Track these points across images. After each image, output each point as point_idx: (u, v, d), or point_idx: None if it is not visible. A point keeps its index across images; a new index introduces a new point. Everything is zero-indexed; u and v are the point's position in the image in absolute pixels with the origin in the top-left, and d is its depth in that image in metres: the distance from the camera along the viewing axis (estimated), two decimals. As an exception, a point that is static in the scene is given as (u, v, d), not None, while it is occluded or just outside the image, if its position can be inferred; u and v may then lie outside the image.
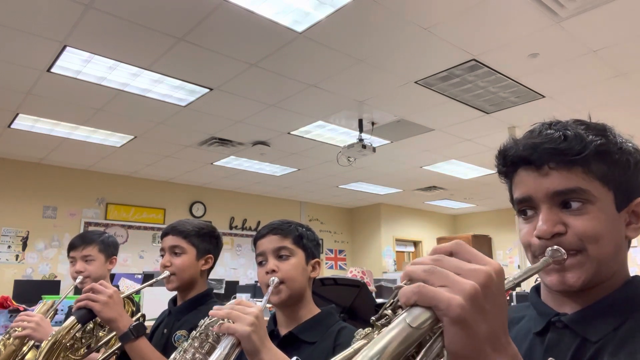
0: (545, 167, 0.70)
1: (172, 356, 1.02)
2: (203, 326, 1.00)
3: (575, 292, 0.71)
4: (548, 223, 0.69)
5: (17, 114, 4.79)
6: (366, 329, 0.50)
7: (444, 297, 0.44)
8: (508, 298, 4.41)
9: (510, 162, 0.75)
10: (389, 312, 0.48)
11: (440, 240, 10.83)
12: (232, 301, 1.01)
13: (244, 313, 0.96)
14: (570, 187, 0.68)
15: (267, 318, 1.38)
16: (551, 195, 0.70)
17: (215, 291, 2.62)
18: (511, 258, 10.20)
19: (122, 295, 1.39)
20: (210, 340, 0.98)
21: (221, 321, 0.96)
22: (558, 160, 0.69)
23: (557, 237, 0.69)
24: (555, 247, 0.68)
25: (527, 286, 4.93)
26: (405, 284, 0.47)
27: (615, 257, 0.70)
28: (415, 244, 10.76)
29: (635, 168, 0.73)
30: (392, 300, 0.48)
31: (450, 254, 0.49)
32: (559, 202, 0.70)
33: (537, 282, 0.82)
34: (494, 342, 0.46)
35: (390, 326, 0.43)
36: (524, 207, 0.74)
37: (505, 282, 0.54)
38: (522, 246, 0.75)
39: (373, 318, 0.49)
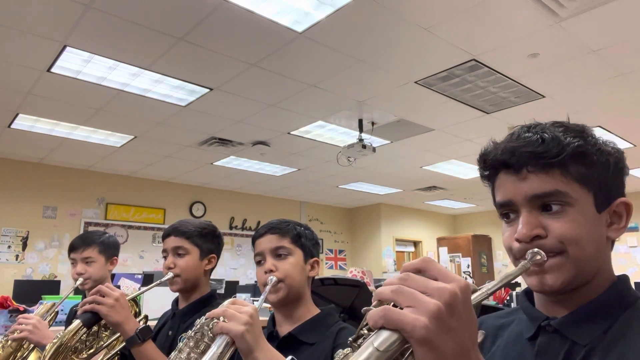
0: (523, 170, 0.71)
1: (169, 356, 1.02)
2: (198, 325, 1.00)
3: (564, 295, 0.71)
4: (527, 227, 0.69)
5: (17, 114, 4.79)
6: (345, 350, 0.51)
7: (408, 319, 0.44)
8: (508, 298, 4.41)
9: (490, 166, 0.76)
10: (364, 331, 0.49)
11: (440, 240, 10.83)
12: (228, 300, 1.01)
13: (239, 312, 0.96)
14: (549, 190, 0.69)
15: (266, 318, 1.37)
16: (530, 198, 0.70)
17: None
18: (511, 258, 10.20)
19: (127, 298, 1.38)
20: (205, 339, 0.97)
21: (216, 320, 0.96)
22: (536, 163, 0.70)
23: (537, 239, 0.69)
24: (535, 249, 0.68)
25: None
26: (374, 306, 0.48)
27: (596, 258, 0.70)
28: (415, 244, 10.76)
29: (616, 168, 0.73)
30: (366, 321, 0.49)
31: (419, 271, 0.50)
32: (538, 205, 0.70)
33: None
34: (463, 358, 0.46)
35: (359, 350, 0.45)
36: (506, 210, 0.75)
37: (480, 292, 0.55)
38: (505, 249, 0.76)
39: (350, 339, 0.50)
